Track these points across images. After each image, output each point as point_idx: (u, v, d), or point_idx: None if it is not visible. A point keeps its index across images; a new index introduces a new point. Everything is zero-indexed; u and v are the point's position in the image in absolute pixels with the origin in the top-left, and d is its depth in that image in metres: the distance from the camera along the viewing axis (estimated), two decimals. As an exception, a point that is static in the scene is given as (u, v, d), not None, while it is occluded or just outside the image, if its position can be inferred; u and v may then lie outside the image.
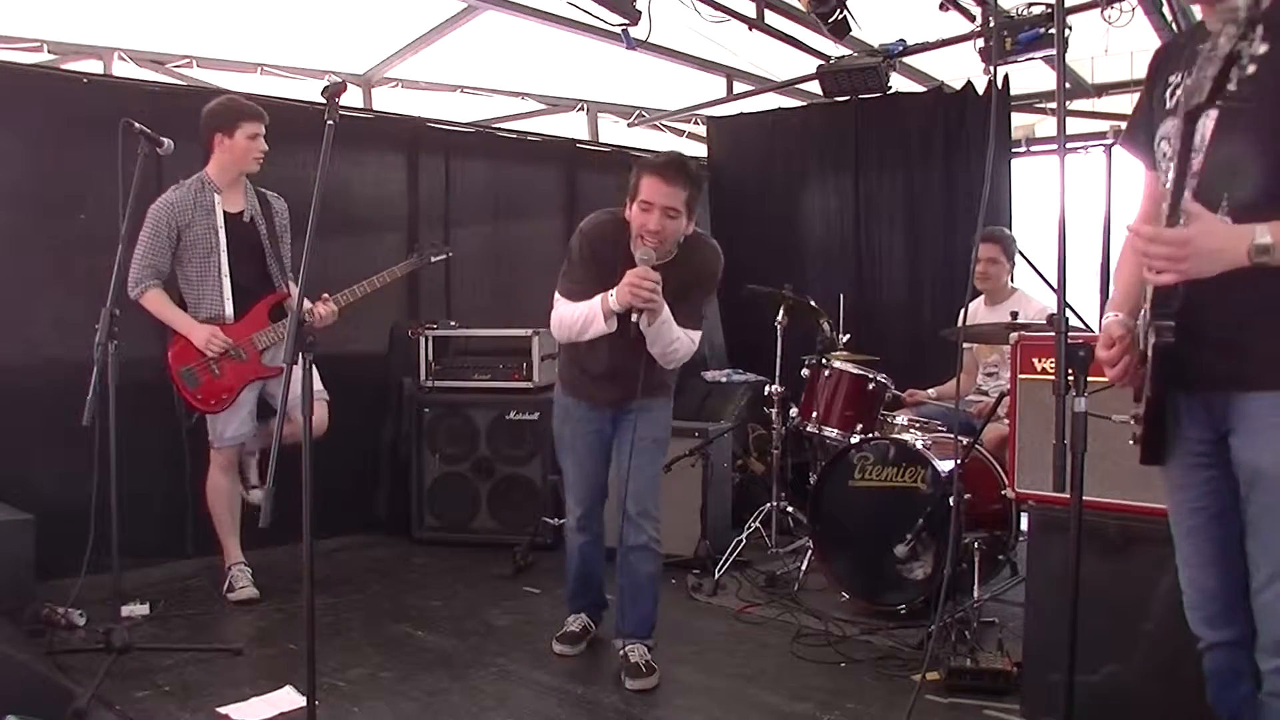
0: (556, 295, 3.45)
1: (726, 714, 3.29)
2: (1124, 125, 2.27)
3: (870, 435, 4.36)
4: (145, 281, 4.16)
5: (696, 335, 3.45)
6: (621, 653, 3.51)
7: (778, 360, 4.95)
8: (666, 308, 3.27)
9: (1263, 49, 1.68)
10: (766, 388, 5.06)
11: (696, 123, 7.22)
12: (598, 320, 3.29)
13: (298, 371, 2.49)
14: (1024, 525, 3.73)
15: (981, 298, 4.94)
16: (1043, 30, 4.84)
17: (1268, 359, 1.88)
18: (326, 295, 4.24)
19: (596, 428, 3.59)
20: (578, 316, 3.35)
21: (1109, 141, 5.75)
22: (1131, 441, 2.10)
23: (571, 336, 3.41)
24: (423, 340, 5.34)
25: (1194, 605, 2.12)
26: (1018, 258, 4.87)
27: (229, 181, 4.23)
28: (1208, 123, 1.91)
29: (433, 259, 4.72)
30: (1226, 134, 1.90)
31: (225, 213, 4.22)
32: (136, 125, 3.50)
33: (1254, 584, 1.95)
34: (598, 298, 3.29)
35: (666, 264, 3.31)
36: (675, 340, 3.35)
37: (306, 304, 4.04)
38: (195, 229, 4.15)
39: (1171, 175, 1.89)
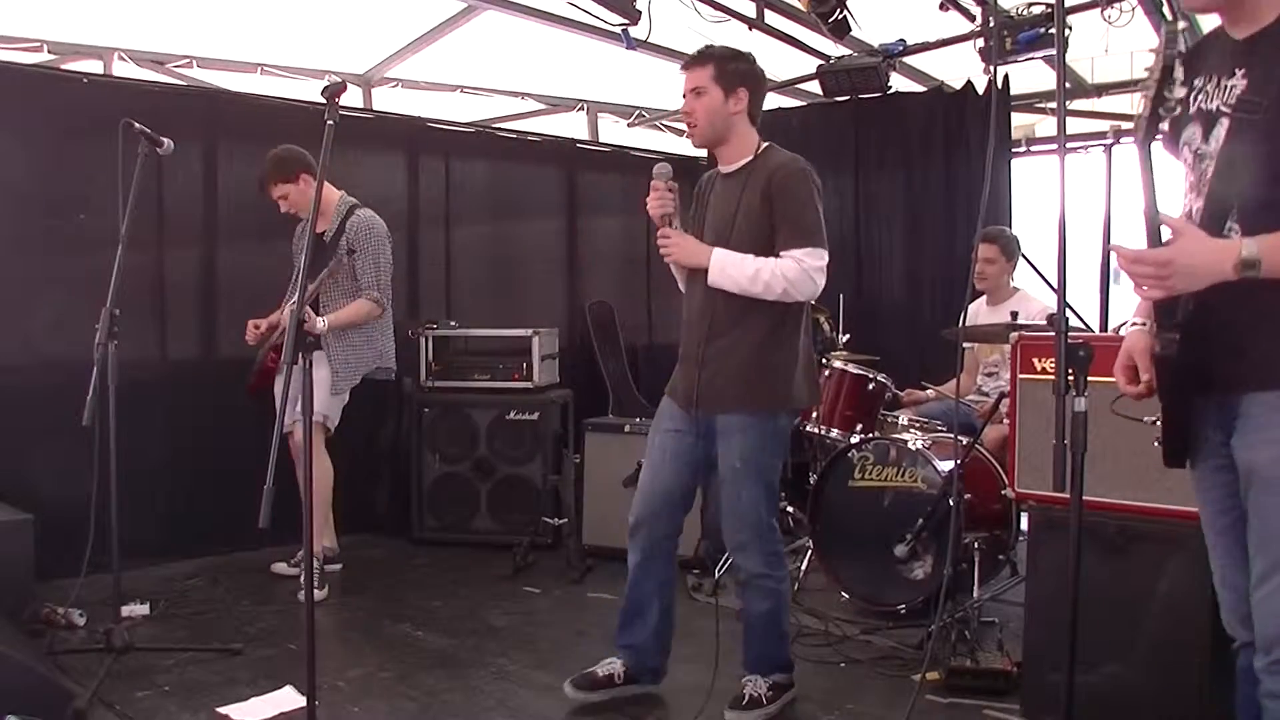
0: None
1: (726, 714, 3.28)
2: (1124, 125, 2.28)
3: (870, 435, 4.36)
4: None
5: (807, 254, 2.93)
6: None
7: (778, 360, 4.94)
8: (717, 252, 2.96)
9: (1181, 93, 1.77)
10: (766, 388, 5.05)
11: (697, 123, 7.21)
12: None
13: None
14: (1024, 525, 3.73)
15: (983, 298, 4.93)
16: (1043, 30, 4.84)
17: (1262, 359, 1.90)
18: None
19: (674, 426, 3.17)
20: None
21: (1109, 141, 5.74)
22: (1156, 443, 2.10)
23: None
24: (423, 340, 5.34)
25: (1228, 606, 2.11)
26: (1019, 258, 4.86)
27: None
28: (1220, 131, 1.93)
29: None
30: (1233, 143, 1.91)
31: (314, 232, 4.30)
32: (136, 125, 3.50)
33: (1250, 582, 1.96)
34: None
35: (737, 175, 3.08)
36: (755, 274, 2.93)
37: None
38: (299, 247, 4.46)
39: (1144, 194, 1.91)
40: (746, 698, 3.16)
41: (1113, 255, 1.96)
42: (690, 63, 3.08)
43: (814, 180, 3.08)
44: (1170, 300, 1.92)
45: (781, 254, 2.97)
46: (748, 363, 3.04)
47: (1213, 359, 1.94)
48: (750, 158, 3.10)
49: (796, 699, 3.30)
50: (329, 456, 4.45)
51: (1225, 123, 1.93)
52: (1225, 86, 1.95)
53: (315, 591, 4.18)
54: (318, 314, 4.27)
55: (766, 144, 3.14)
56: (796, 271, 2.94)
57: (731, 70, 3.04)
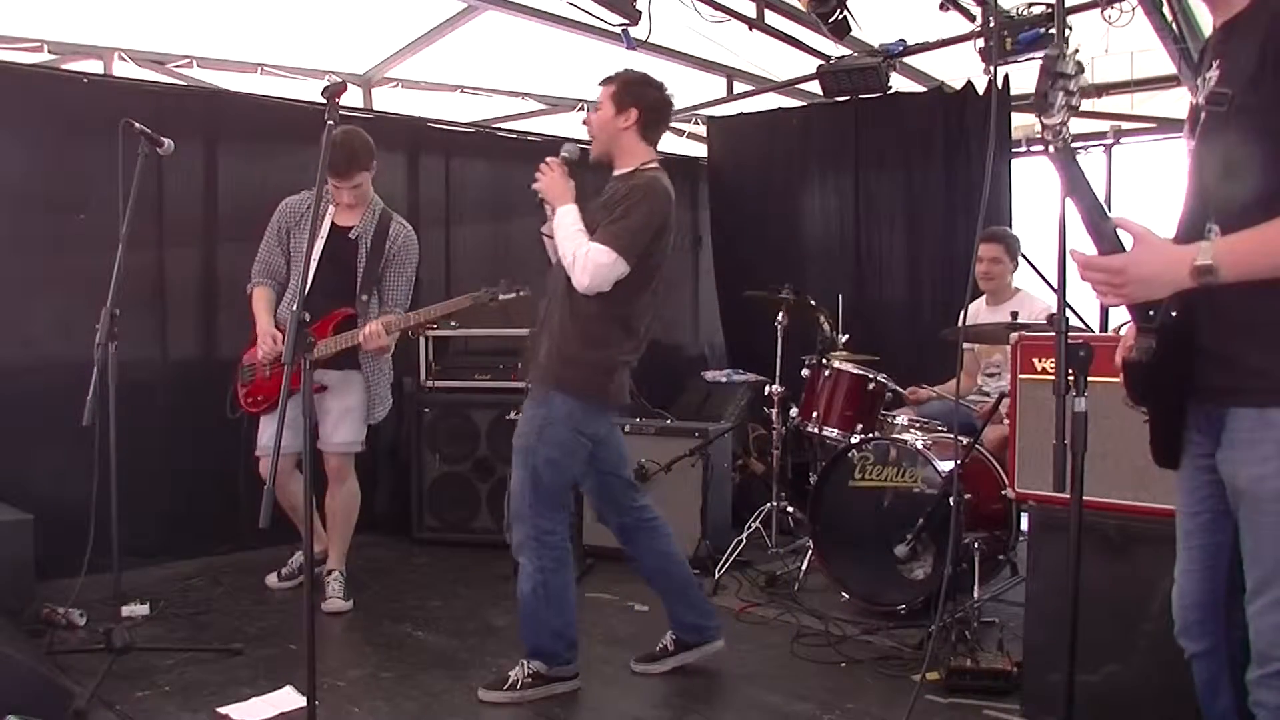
0: None
1: (726, 714, 3.29)
2: (1124, 125, 2.28)
3: (870, 435, 4.36)
4: (253, 279, 4.25)
5: (602, 251, 3.16)
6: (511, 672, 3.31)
7: (778, 360, 4.95)
8: (568, 206, 3.28)
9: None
10: (766, 388, 5.06)
11: (696, 123, 7.22)
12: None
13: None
14: (1024, 525, 3.73)
15: (984, 298, 4.93)
16: (1043, 30, 4.83)
17: (1252, 373, 1.84)
18: (388, 319, 4.10)
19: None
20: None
21: (1109, 141, 5.74)
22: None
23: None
24: (423, 340, 5.34)
25: (1176, 613, 2.11)
26: (1020, 258, 4.86)
27: (338, 202, 4.21)
28: (1199, 127, 1.91)
29: (501, 296, 4.02)
30: (1206, 139, 1.89)
31: (334, 224, 4.20)
32: (136, 125, 3.49)
33: (1246, 595, 1.95)
34: None
35: (613, 181, 3.38)
36: (576, 238, 3.22)
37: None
38: (302, 233, 4.19)
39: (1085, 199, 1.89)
40: (495, 681, 3.33)
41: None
42: (602, 81, 3.41)
43: (661, 207, 3.28)
44: (1147, 303, 1.89)
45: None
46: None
47: (1196, 367, 1.91)
48: (630, 169, 3.36)
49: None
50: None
51: (1203, 117, 1.90)
52: (1206, 79, 1.92)
53: (340, 603, 4.20)
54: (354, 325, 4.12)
55: (654, 164, 3.39)
56: (585, 255, 3.17)
57: (627, 91, 3.34)
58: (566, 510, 3.38)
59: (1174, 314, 1.89)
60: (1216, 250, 1.75)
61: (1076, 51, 1.81)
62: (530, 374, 3.40)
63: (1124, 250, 1.84)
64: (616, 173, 3.40)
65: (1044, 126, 1.87)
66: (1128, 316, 2.13)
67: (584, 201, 3.37)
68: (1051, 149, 1.88)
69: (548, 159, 3.39)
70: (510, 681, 3.28)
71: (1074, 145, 1.89)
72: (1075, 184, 1.89)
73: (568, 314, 3.28)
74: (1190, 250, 1.78)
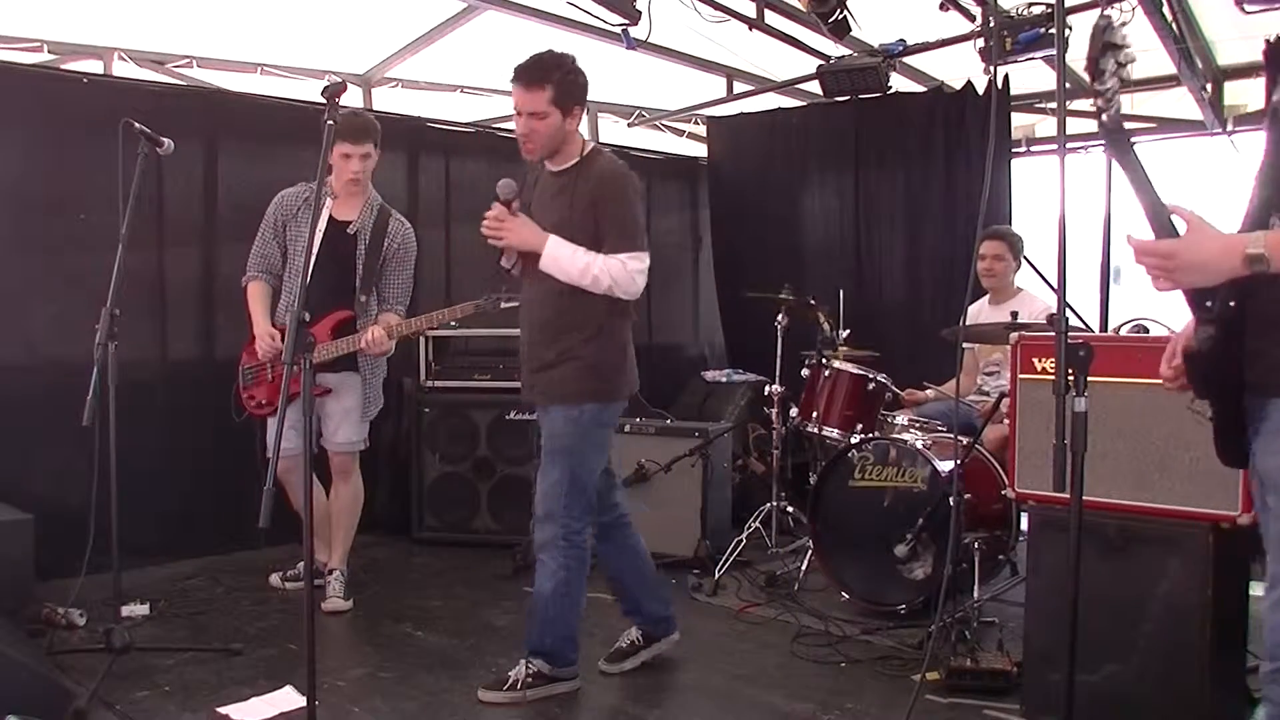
0: None
1: (726, 714, 3.29)
2: (1124, 125, 2.28)
3: (870, 435, 4.36)
4: (249, 272, 4.23)
5: (630, 258, 3.18)
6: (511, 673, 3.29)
7: (778, 360, 4.95)
8: (553, 240, 3.17)
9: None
10: (766, 388, 5.06)
11: (696, 123, 7.22)
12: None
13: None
14: (1024, 525, 3.73)
15: (985, 297, 4.93)
16: (1043, 30, 4.83)
17: (1274, 367, 1.86)
18: (391, 323, 4.13)
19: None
20: None
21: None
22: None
23: None
24: (423, 340, 5.34)
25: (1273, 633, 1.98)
26: (1022, 258, 4.85)
27: (341, 190, 4.19)
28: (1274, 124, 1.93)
29: (503, 305, 4.13)
30: (1272, 135, 1.91)
31: (332, 217, 4.17)
32: (136, 125, 3.49)
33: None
34: None
35: (565, 175, 3.26)
36: (587, 266, 3.15)
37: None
38: (299, 226, 4.17)
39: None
40: (500, 683, 3.30)
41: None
42: (528, 83, 3.15)
43: (635, 184, 3.30)
44: (1204, 292, 1.88)
45: (608, 256, 3.19)
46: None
47: (1246, 357, 1.91)
48: (577, 159, 3.28)
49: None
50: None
51: (1274, 115, 1.93)
52: None
53: (340, 603, 4.20)
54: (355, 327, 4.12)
55: (592, 146, 3.34)
56: (621, 271, 3.17)
57: (568, 93, 3.19)
58: (593, 512, 3.37)
59: (1231, 304, 1.88)
60: (1269, 240, 1.76)
61: (1124, 24, 1.82)
62: (548, 389, 3.30)
63: (1178, 235, 1.85)
64: (559, 166, 3.29)
65: (1096, 94, 1.86)
66: (1133, 317, 2.13)
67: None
68: (1105, 117, 1.89)
69: (493, 212, 3.24)
70: (511, 681, 3.27)
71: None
72: (1126, 160, 1.90)
73: (575, 323, 3.25)
74: (1243, 239, 1.79)
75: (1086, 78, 1.92)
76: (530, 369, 3.36)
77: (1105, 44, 1.85)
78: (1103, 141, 1.91)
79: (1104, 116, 1.90)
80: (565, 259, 3.17)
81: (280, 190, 4.33)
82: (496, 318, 5.29)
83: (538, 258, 3.21)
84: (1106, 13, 1.88)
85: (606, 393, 3.31)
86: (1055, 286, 2.18)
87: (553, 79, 3.16)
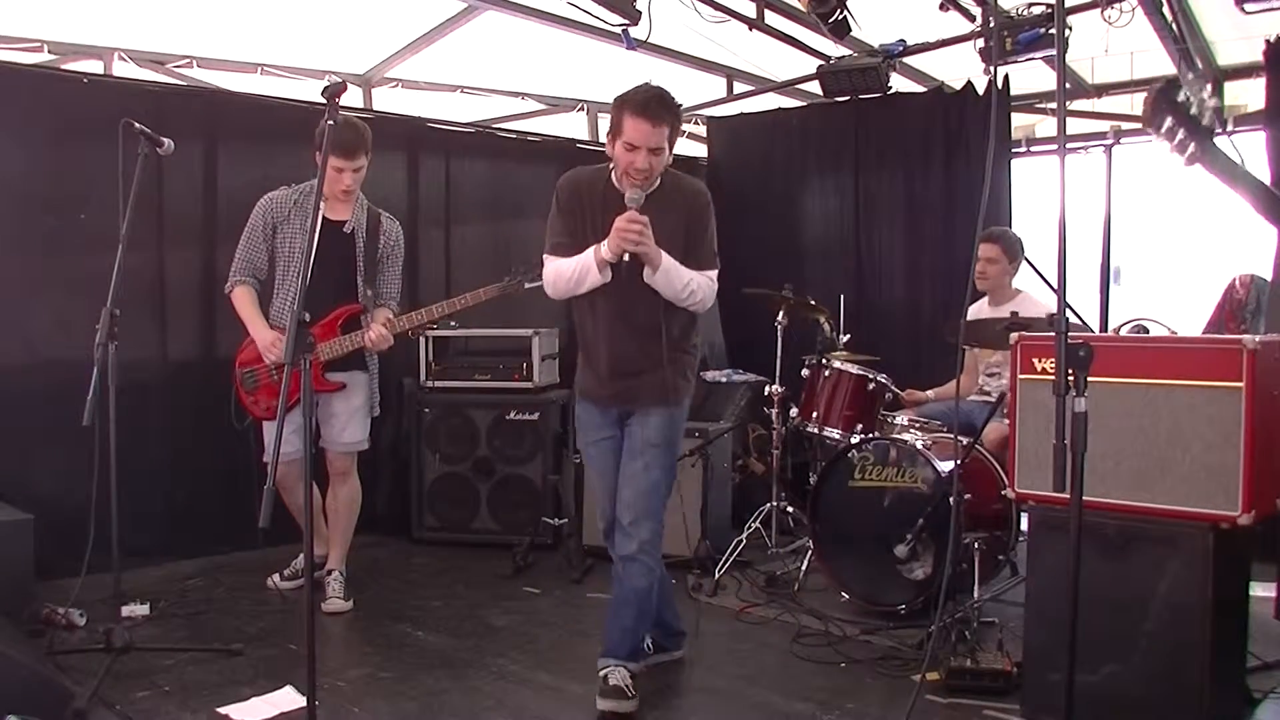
0: (545, 255, 3.41)
1: (726, 714, 3.29)
2: (1124, 126, 2.28)
3: (870, 435, 4.36)
4: (235, 276, 4.21)
5: (714, 274, 3.36)
6: (601, 674, 3.23)
7: (778, 360, 4.95)
8: (665, 255, 3.18)
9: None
10: (766, 388, 5.06)
11: (696, 123, 7.21)
12: (592, 271, 3.23)
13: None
14: (1024, 525, 3.73)
15: (984, 299, 4.92)
16: (1043, 30, 4.83)
17: None
18: (389, 318, 4.16)
19: (608, 434, 3.44)
20: (572, 269, 3.28)
21: (1109, 141, 5.73)
22: None
23: (569, 289, 3.32)
24: (423, 340, 5.34)
25: None
26: (1022, 259, 4.84)
27: (333, 196, 4.17)
28: None
29: (526, 285, 4.17)
30: None
31: (326, 218, 4.15)
32: (136, 125, 3.49)
33: None
34: (590, 250, 3.24)
35: (651, 198, 3.25)
36: (689, 282, 3.25)
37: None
38: (290, 228, 4.15)
39: None
40: (622, 687, 3.22)
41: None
42: (657, 120, 3.19)
43: (712, 205, 3.43)
44: None
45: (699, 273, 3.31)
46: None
47: None
48: (658, 182, 3.31)
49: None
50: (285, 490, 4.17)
51: None
52: None
53: (340, 603, 4.20)
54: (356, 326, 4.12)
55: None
56: (708, 287, 3.34)
57: (679, 127, 3.33)
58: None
59: None
60: None
61: (1187, 85, 1.84)
62: (650, 392, 3.32)
63: None
64: (647, 189, 3.27)
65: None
66: (1133, 317, 2.13)
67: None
68: (1183, 156, 1.89)
69: (638, 221, 3.12)
70: (618, 687, 3.19)
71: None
72: (1218, 167, 1.90)
73: (679, 329, 3.37)
74: None
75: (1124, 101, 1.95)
76: (625, 372, 3.33)
77: (1170, 105, 1.87)
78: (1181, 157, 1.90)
79: (1183, 156, 1.91)
80: (674, 272, 3.24)
81: (265, 184, 4.32)
82: (496, 318, 5.31)
83: (642, 268, 3.20)
84: (1173, 75, 1.91)
85: (690, 393, 3.49)
86: (1055, 287, 2.18)
87: (676, 116, 3.27)
